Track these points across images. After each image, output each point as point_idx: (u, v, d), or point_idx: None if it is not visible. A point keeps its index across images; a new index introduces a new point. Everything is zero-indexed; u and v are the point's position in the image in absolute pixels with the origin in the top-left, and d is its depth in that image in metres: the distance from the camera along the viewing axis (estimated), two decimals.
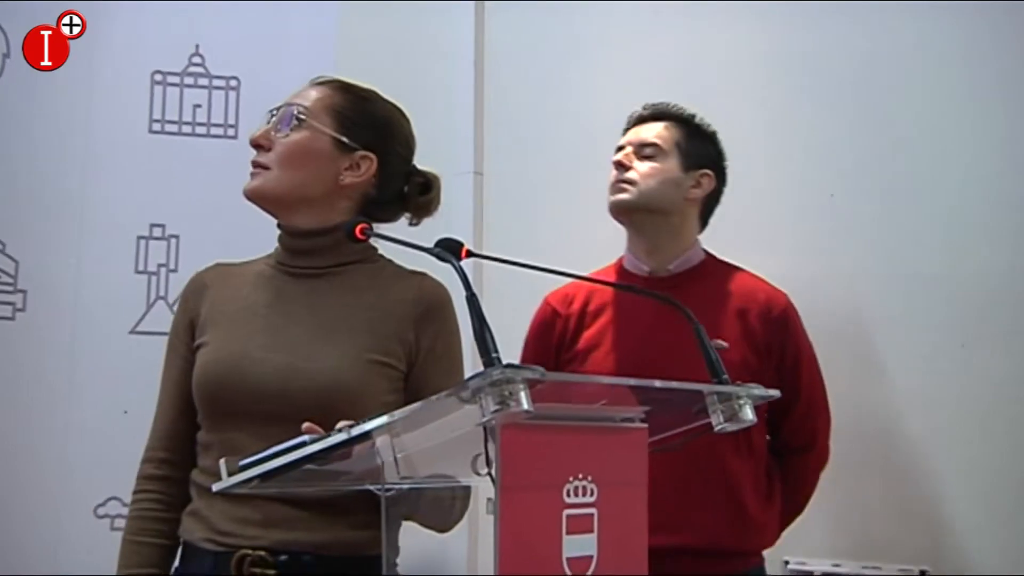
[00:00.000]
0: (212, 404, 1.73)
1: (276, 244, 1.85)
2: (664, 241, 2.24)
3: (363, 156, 1.78)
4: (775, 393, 1.48)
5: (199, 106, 2.95)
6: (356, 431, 1.24)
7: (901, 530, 2.42)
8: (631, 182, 2.23)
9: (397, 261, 1.83)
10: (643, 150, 2.25)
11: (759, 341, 2.17)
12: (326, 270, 1.79)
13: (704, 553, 2.09)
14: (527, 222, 3.05)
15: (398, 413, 1.25)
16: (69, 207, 2.77)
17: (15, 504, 2.61)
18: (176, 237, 2.88)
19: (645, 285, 2.23)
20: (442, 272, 1.78)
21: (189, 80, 2.95)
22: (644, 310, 2.14)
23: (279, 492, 1.61)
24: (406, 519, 1.66)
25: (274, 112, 1.80)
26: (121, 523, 2.63)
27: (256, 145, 1.78)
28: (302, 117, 1.76)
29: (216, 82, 2.97)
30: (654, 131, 2.28)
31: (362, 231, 1.50)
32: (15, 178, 2.70)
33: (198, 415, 1.77)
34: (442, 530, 1.74)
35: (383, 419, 1.25)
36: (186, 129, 2.94)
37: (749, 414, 1.44)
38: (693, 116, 2.31)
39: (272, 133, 1.77)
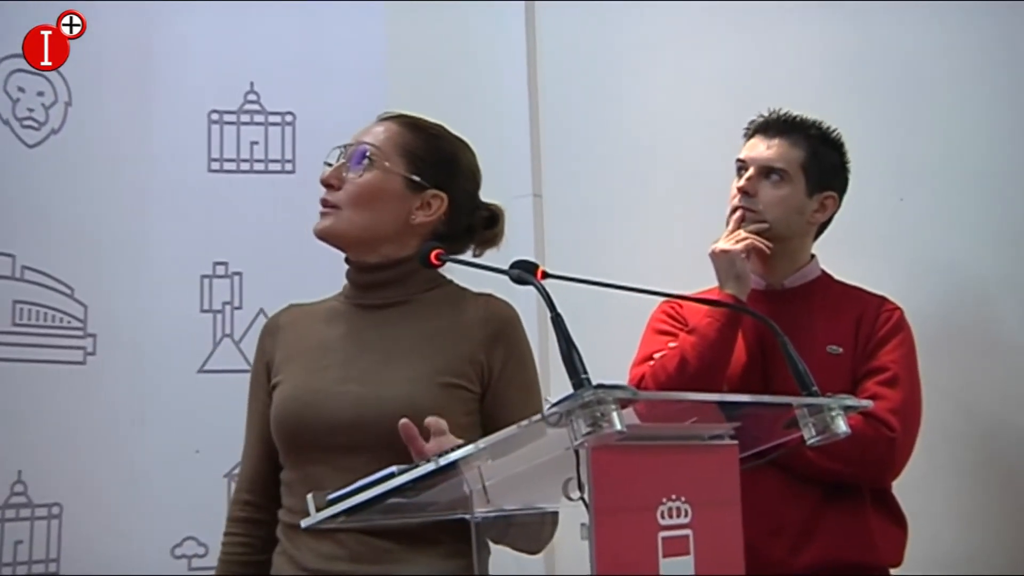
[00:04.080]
0: (290, 440, 1.73)
1: (343, 278, 1.85)
2: (780, 260, 2.21)
3: (434, 195, 1.77)
4: (868, 403, 1.44)
5: (256, 143, 2.98)
6: (444, 460, 1.22)
7: (994, 539, 2.35)
8: (756, 212, 2.18)
9: (469, 285, 1.81)
10: (768, 174, 2.19)
11: (872, 346, 2.13)
12: (396, 301, 1.78)
13: (828, 568, 2.04)
14: (589, 243, 3.02)
15: (484, 441, 1.23)
16: (133, 249, 2.80)
17: (93, 547, 2.62)
18: (239, 274, 2.89)
19: (760, 299, 2.19)
20: (507, 294, 1.78)
21: (245, 118, 2.97)
22: (758, 323, 2.10)
23: (364, 525, 1.58)
24: (496, 543, 1.65)
25: (342, 149, 1.80)
26: (198, 563, 2.67)
27: (327, 184, 1.78)
28: (373, 157, 1.76)
29: (272, 118, 2.99)
30: (779, 151, 2.19)
31: (437, 256, 1.48)
32: (79, 224, 2.72)
33: (280, 456, 1.77)
34: (533, 552, 1.72)
35: (470, 448, 1.23)
36: (244, 166, 2.97)
37: (842, 426, 1.40)
38: (820, 127, 2.23)
39: (343, 172, 1.77)
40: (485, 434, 1.64)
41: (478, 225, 1.85)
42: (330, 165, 1.79)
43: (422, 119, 1.85)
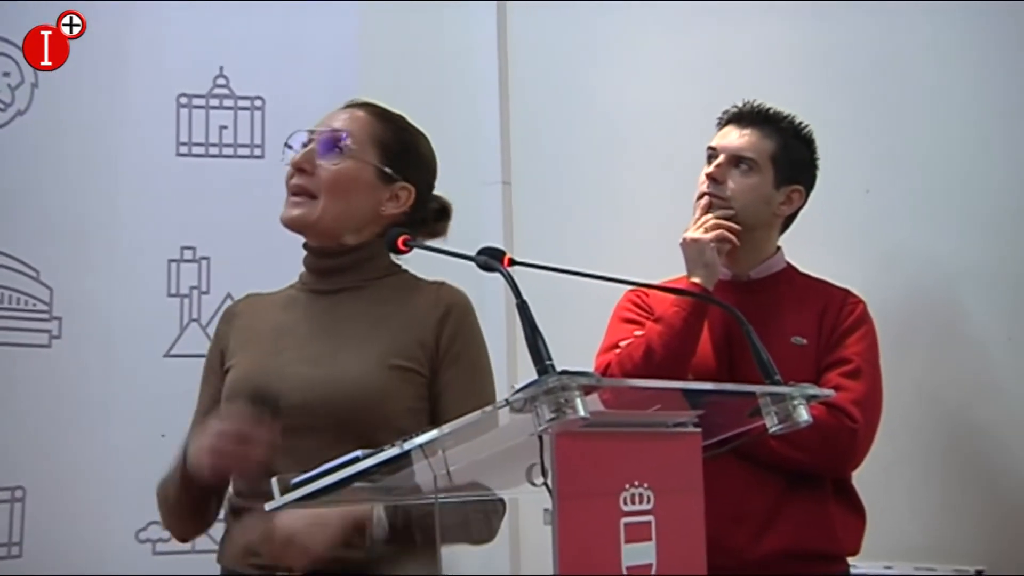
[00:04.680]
0: None
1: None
2: (746, 251, 2.22)
3: (403, 187, 1.79)
4: (830, 392, 1.45)
5: (225, 127, 2.95)
6: (408, 445, 1.22)
7: (955, 529, 2.38)
8: (724, 199, 2.19)
9: (433, 271, 1.82)
10: (738, 163, 2.21)
11: (836, 338, 2.16)
12: (350, 287, 1.79)
13: (789, 556, 2.06)
14: (557, 230, 3.04)
15: (449, 426, 1.23)
16: (100, 233, 2.77)
17: (57, 531, 2.60)
18: (207, 259, 2.87)
19: (726, 289, 2.20)
20: (466, 283, 1.80)
21: (214, 102, 2.95)
22: (724, 313, 2.12)
23: None
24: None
25: (311, 133, 1.79)
26: (163, 547, 2.65)
27: (299, 168, 1.77)
28: (348, 146, 1.75)
29: (241, 103, 2.97)
30: (750, 141, 2.21)
31: (404, 242, 1.49)
32: (46, 206, 2.69)
33: None
34: (481, 543, 1.73)
35: (434, 432, 1.23)
36: (213, 151, 2.94)
37: (804, 415, 1.41)
38: (792, 121, 2.25)
39: (315, 158, 1.76)
40: (431, 414, 1.66)
41: (429, 217, 1.87)
42: (290, 147, 1.78)
43: (386, 108, 1.85)
